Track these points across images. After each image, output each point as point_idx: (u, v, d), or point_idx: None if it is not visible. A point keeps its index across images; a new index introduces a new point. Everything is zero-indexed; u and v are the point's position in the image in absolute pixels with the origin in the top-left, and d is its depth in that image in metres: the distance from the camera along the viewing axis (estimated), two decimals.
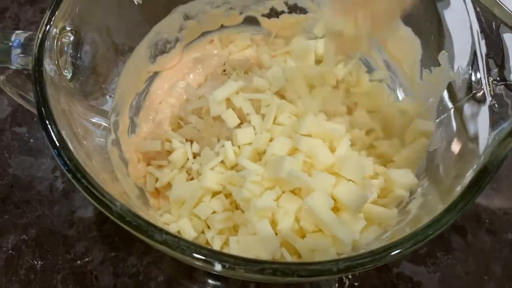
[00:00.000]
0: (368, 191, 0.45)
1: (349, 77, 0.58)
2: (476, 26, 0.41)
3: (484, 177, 0.34)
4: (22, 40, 0.41)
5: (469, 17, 0.41)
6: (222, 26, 0.62)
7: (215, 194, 0.48)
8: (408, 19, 0.51)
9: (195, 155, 0.53)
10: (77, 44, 0.44)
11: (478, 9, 0.40)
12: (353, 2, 0.44)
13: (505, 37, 0.39)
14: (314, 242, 0.41)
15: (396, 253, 0.31)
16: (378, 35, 0.52)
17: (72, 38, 0.43)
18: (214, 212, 0.46)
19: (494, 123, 0.37)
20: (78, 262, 0.54)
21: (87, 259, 0.54)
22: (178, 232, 0.46)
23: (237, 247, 0.41)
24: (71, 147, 0.35)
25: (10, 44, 0.41)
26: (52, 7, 0.40)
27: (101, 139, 0.47)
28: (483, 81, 0.40)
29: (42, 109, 0.36)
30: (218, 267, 0.30)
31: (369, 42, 0.52)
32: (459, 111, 0.44)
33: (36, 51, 0.38)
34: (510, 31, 0.38)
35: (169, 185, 0.51)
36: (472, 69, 0.42)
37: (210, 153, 0.50)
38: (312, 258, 0.41)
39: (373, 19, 0.43)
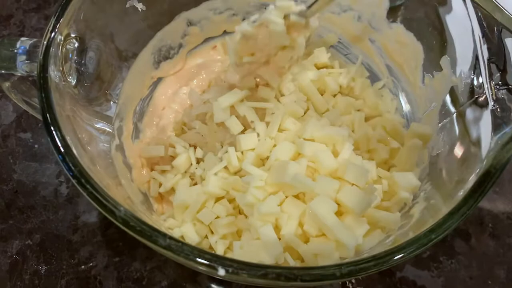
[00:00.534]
0: (372, 195, 0.45)
1: (352, 83, 0.58)
2: (478, 31, 0.41)
3: (486, 181, 0.34)
4: (27, 47, 0.42)
5: (471, 22, 0.42)
6: (225, 32, 0.63)
7: (218, 199, 0.48)
8: (410, 24, 0.52)
9: (198, 161, 0.53)
10: (82, 51, 0.44)
11: (480, 14, 0.41)
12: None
13: (507, 42, 0.39)
14: (317, 246, 0.41)
15: (400, 257, 0.31)
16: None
17: (76, 44, 0.43)
18: (217, 217, 0.46)
19: (496, 127, 0.37)
20: (82, 267, 0.54)
21: (91, 264, 0.54)
22: (182, 237, 0.46)
23: (240, 252, 0.41)
24: (75, 153, 0.35)
25: (16, 51, 0.42)
26: (57, 14, 0.41)
27: (105, 145, 0.48)
28: (485, 86, 0.40)
29: (47, 115, 0.36)
30: (221, 271, 0.30)
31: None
32: (461, 116, 0.44)
33: (41, 57, 0.39)
34: None
35: (172, 190, 0.52)
36: (474, 73, 0.42)
37: (213, 159, 0.50)
38: (315, 263, 0.41)
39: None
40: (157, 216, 0.51)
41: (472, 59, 0.42)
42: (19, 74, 0.43)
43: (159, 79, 0.60)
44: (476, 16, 0.41)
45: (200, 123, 0.55)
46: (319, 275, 0.30)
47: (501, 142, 0.36)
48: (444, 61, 0.47)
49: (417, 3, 0.51)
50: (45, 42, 0.39)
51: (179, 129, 0.57)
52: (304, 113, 0.53)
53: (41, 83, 0.38)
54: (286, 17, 0.44)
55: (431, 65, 0.50)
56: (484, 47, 0.40)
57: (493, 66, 0.40)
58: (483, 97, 0.40)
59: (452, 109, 0.46)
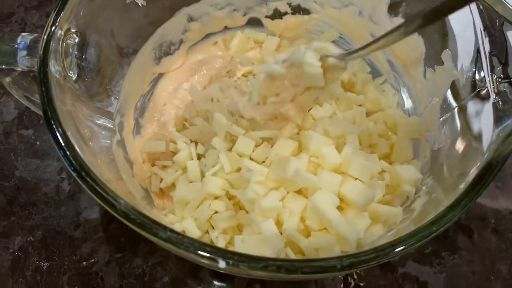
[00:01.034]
0: (375, 189, 0.45)
1: (354, 78, 0.58)
2: (479, 24, 0.41)
3: (488, 174, 0.34)
4: (28, 42, 0.42)
5: (472, 15, 0.41)
6: (225, 28, 0.63)
7: (218, 197, 0.48)
8: None
9: (199, 156, 0.53)
10: (82, 46, 0.44)
11: (481, 7, 0.40)
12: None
13: (508, 35, 0.39)
14: (318, 240, 0.41)
15: (401, 250, 0.31)
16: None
17: (77, 39, 0.43)
18: (216, 212, 0.46)
19: (498, 120, 0.37)
20: (84, 263, 0.54)
21: (93, 260, 0.54)
22: (183, 232, 0.46)
23: (242, 246, 0.41)
24: (76, 148, 0.35)
25: (16, 46, 0.42)
26: (57, 9, 0.41)
27: (106, 140, 0.48)
28: (487, 79, 0.40)
29: (48, 109, 0.36)
30: (222, 264, 0.30)
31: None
32: (463, 110, 0.44)
33: (41, 52, 0.39)
34: None
35: (173, 186, 0.52)
36: (475, 67, 0.42)
37: (214, 155, 0.50)
38: (316, 257, 0.41)
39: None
40: (158, 211, 0.51)
41: (474, 52, 0.42)
42: (20, 69, 0.43)
43: (160, 75, 0.60)
44: (478, 9, 0.41)
45: (201, 119, 0.55)
46: (320, 267, 0.30)
47: (503, 135, 0.36)
48: (446, 55, 0.47)
49: None
50: (45, 37, 0.40)
51: (180, 125, 0.57)
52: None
53: (41, 77, 0.38)
54: (322, 59, 0.42)
55: (433, 59, 0.50)
56: (486, 40, 0.40)
57: (494, 59, 0.40)
58: (485, 90, 0.40)
59: (454, 103, 0.46)
